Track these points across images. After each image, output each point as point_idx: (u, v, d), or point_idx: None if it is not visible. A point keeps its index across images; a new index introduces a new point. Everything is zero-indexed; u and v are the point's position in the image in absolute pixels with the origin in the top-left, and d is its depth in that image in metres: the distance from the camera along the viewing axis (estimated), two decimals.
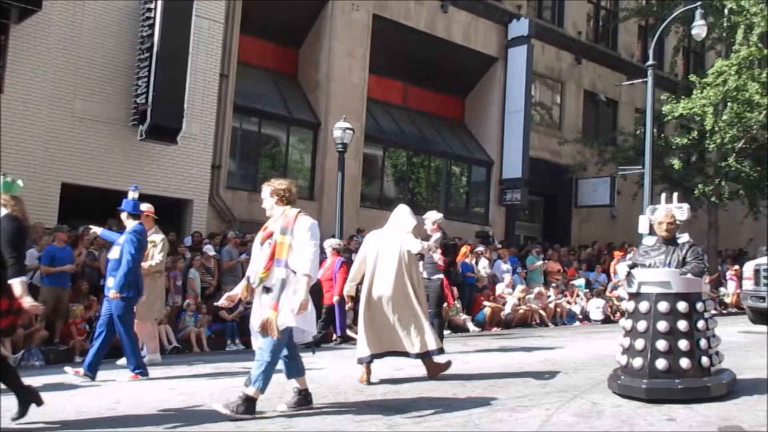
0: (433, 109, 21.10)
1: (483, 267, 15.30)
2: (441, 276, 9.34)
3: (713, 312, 6.45)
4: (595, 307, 16.31)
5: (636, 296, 6.02)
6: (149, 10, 13.70)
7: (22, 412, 5.00)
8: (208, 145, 15.01)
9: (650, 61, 17.98)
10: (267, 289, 5.35)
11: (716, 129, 19.08)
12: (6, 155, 11.68)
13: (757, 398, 5.79)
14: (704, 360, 5.77)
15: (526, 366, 7.97)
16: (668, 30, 20.51)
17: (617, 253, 17.28)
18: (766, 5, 19.06)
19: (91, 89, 13.41)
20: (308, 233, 5.35)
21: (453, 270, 13.36)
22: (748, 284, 14.11)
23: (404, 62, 19.33)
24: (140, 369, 7.39)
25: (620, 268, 6.28)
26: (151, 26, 13.61)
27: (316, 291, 5.59)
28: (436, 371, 7.07)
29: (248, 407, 5.24)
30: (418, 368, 7.51)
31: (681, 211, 6.47)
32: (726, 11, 20.14)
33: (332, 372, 7.62)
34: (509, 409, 5.56)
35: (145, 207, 8.22)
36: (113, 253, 7.56)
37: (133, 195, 7.73)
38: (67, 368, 7.38)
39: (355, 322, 9.63)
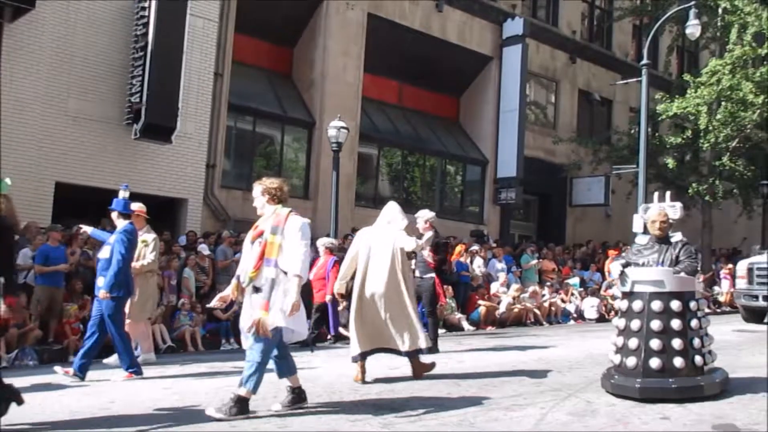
0: (428, 108, 21.12)
1: (478, 266, 15.31)
2: (433, 275, 9.35)
3: (706, 311, 6.46)
4: (590, 306, 16.35)
5: (629, 295, 6.02)
6: (143, 8, 13.67)
7: (3, 410, 4.95)
8: (203, 144, 14.99)
9: (644, 61, 18.00)
10: (257, 289, 5.33)
11: (710, 128, 19.14)
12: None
13: (750, 397, 5.81)
14: (697, 359, 5.78)
15: (521, 365, 7.97)
16: (662, 29, 20.54)
17: (612, 252, 17.31)
18: (760, 4, 19.12)
19: (85, 88, 13.38)
20: (299, 233, 5.34)
21: (447, 269, 13.37)
22: (741, 283, 14.15)
23: (399, 61, 19.34)
24: (134, 368, 7.38)
25: (614, 267, 6.27)
26: (146, 25, 13.59)
27: (305, 291, 5.56)
28: (421, 371, 7.07)
29: (241, 408, 5.23)
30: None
31: (674, 209, 6.48)
32: (720, 11, 20.20)
33: (327, 371, 7.62)
34: (504, 408, 5.57)
35: (137, 206, 8.19)
36: (103, 253, 7.52)
37: (123, 194, 7.69)
38: (56, 368, 7.34)
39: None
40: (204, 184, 15.10)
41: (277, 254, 5.30)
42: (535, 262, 17.12)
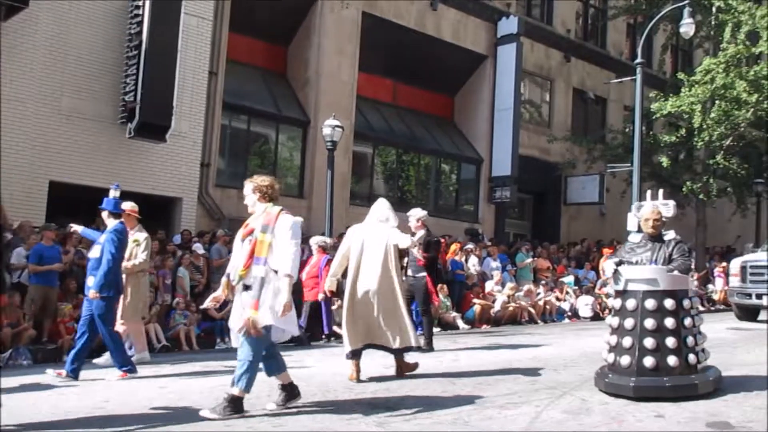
0: (423, 106, 21.12)
1: (473, 264, 15.33)
2: (425, 273, 9.36)
3: (701, 308, 6.48)
4: (584, 305, 16.39)
5: (623, 293, 6.02)
6: (137, 7, 13.64)
7: None
8: (197, 143, 14.97)
9: (639, 59, 18.05)
10: (246, 287, 5.32)
11: (704, 127, 19.20)
12: None
13: (744, 395, 5.83)
14: (691, 357, 5.79)
15: (516, 363, 7.98)
16: (657, 28, 20.60)
17: (606, 251, 17.32)
18: (754, 3, 19.19)
19: (79, 87, 13.34)
20: (289, 232, 5.32)
21: (443, 268, 13.40)
22: (734, 281, 14.19)
23: (394, 60, 19.33)
24: (127, 366, 7.36)
25: (607, 266, 6.27)
26: (140, 23, 13.56)
27: (295, 289, 5.54)
28: (405, 369, 7.07)
29: (235, 407, 5.22)
30: None
31: (667, 207, 6.49)
32: (714, 9, 20.27)
33: (321, 370, 7.62)
34: (498, 407, 5.57)
35: (129, 206, 8.13)
36: (93, 252, 7.48)
37: (114, 193, 7.65)
38: (48, 371, 7.24)
39: None
40: (198, 182, 15.07)
41: (266, 253, 5.29)
42: (530, 260, 17.14)
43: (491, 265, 16.02)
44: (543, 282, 16.77)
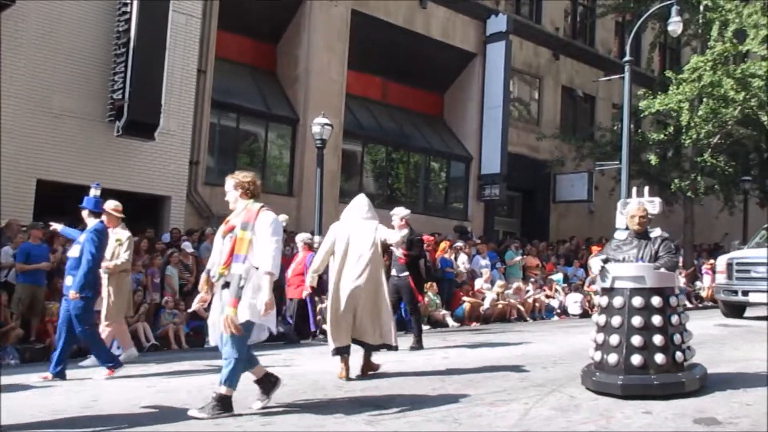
0: (412, 104, 21.13)
1: (462, 262, 15.35)
2: (407, 273, 9.38)
3: (688, 305, 6.51)
4: (573, 302, 16.45)
5: (610, 291, 6.03)
6: (125, 5, 13.58)
7: None
8: (186, 141, 14.91)
9: (627, 57, 18.14)
10: (226, 285, 5.28)
11: (692, 125, 19.30)
12: None
13: (731, 392, 5.87)
14: (678, 355, 5.82)
15: (505, 361, 8.01)
16: (645, 26, 20.69)
17: (595, 248, 17.35)
18: (741, 1, 19.30)
19: (66, 85, 13.26)
20: (270, 229, 5.27)
21: (432, 266, 13.41)
22: (721, 278, 14.29)
23: (383, 58, 19.33)
24: (111, 362, 7.32)
25: (593, 263, 6.28)
26: (128, 21, 13.50)
27: (276, 286, 5.51)
28: (369, 369, 7.07)
29: (224, 406, 5.21)
30: (397, 364, 7.54)
31: (653, 204, 6.51)
32: (701, 8, 20.38)
33: (311, 368, 7.62)
34: (488, 404, 5.59)
35: (112, 205, 8.03)
36: (73, 252, 7.39)
37: (95, 192, 7.58)
38: (33, 377, 7.11)
39: None
40: (187, 181, 15.02)
41: (246, 250, 5.24)
42: (519, 258, 17.19)
43: (480, 263, 16.06)
44: (532, 279, 16.82)
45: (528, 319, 15.25)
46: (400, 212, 9.41)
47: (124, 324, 8.67)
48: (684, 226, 21.47)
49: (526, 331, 12.24)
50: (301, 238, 11.65)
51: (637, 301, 5.82)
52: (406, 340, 9.12)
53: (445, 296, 14.37)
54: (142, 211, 13.36)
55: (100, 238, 7.31)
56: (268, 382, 5.54)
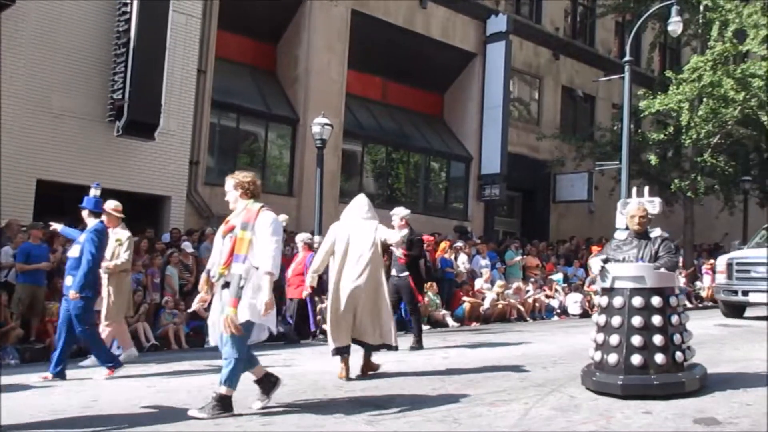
0: (412, 104, 21.13)
1: (462, 262, 15.35)
2: (407, 273, 9.38)
3: (688, 305, 6.51)
4: (573, 302, 16.45)
5: (610, 291, 6.02)
6: (125, 4, 13.58)
7: None
8: (186, 141, 14.91)
9: (627, 57, 18.13)
10: (226, 285, 5.27)
11: (692, 124, 19.30)
12: None
13: (731, 392, 5.87)
14: (678, 355, 5.82)
15: (505, 361, 8.01)
16: (645, 26, 20.69)
17: (595, 248, 17.36)
18: (740, 1, 19.29)
19: (66, 84, 13.25)
20: (269, 229, 5.26)
21: (432, 266, 13.41)
22: (720, 278, 14.29)
23: (383, 58, 19.33)
24: (111, 362, 7.32)
25: (594, 263, 6.28)
26: (128, 21, 13.50)
27: (277, 287, 5.51)
28: (369, 369, 7.07)
29: (224, 406, 5.21)
30: (397, 364, 7.54)
31: (653, 204, 6.51)
32: (701, 8, 20.37)
33: (311, 368, 7.61)
34: (488, 404, 5.59)
35: (112, 205, 8.03)
36: (73, 252, 7.39)
37: (94, 192, 7.58)
38: (33, 377, 7.12)
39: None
40: (187, 181, 15.02)
41: (246, 250, 5.24)
42: (519, 258, 17.19)
43: (480, 263, 16.06)
44: (532, 279, 16.82)
45: (528, 319, 15.25)
46: (400, 212, 9.41)
47: (124, 324, 8.66)
48: (684, 226, 21.47)
49: (526, 331, 12.24)
50: (301, 238, 11.65)
51: (637, 301, 5.82)
52: (406, 340, 9.12)
53: (445, 296, 14.37)
54: (142, 211, 13.37)
55: (100, 238, 7.31)
56: (268, 382, 5.54)
